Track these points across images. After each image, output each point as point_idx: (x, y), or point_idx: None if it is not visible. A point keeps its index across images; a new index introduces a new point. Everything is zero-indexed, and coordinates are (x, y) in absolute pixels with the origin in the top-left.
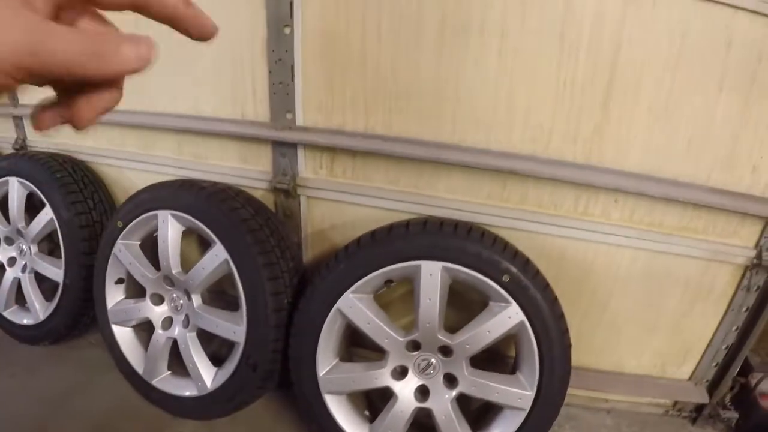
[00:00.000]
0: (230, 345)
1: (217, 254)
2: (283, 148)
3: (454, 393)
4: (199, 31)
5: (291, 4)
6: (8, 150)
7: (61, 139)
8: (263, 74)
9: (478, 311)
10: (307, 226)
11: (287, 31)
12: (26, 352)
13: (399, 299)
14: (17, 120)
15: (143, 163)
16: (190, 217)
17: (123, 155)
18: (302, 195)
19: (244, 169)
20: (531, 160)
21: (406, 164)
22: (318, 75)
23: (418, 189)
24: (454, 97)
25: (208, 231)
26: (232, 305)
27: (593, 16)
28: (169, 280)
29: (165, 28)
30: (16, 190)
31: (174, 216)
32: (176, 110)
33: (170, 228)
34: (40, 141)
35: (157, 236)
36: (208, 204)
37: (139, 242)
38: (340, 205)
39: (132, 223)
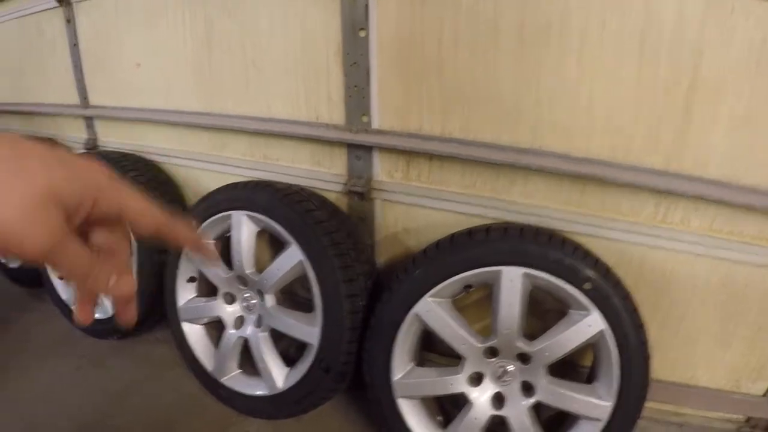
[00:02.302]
0: (300, 345)
1: (293, 255)
2: (358, 151)
3: (531, 401)
4: (202, 255)
5: (366, 7)
6: (80, 150)
7: (131, 139)
8: (338, 77)
9: (554, 319)
10: (380, 230)
11: (362, 34)
12: (93, 345)
13: (473, 304)
14: (88, 121)
15: (214, 163)
16: (265, 218)
17: (194, 156)
18: (376, 198)
19: (317, 172)
20: (610, 165)
21: (482, 168)
22: (394, 78)
23: (495, 193)
24: (533, 101)
25: (284, 232)
26: (302, 306)
27: (674, 20)
28: (242, 280)
29: (239, 34)
30: None
31: (249, 217)
32: (249, 112)
33: (245, 229)
34: (112, 141)
35: (229, 236)
36: (284, 205)
37: (213, 240)
38: (414, 209)
39: (205, 223)
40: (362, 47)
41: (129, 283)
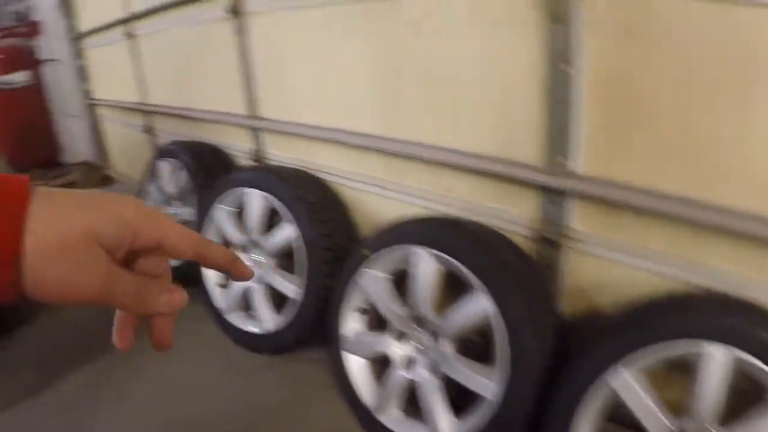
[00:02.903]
0: (470, 394)
1: (480, 304)
2: (554, 196)
3: None
4: (237, 276)
5: (576, 41)
6: (243, 159)
7: (298, 155)
8: (538, 115)
9: (748, 404)
10: (566, 279)
11: (569, 70)
12: (242, 354)
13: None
14: (255, 132)
15: (389, 190)
16: (451, 259)
17: (367, 179)
18: (567, 246)
19: (503, 211)
20: None
21: (690, 227)
22: (600, 120)
23: (701, 257)
24: (762, 160)
25: (472, 277)
26: (471, 352)
27: None
28: (418, 320)
29: (428, 59)
30: (257, 202)
31: (432, 255)
32: (433, 141)
33: (426, 267)
34: (278, 155)
35: (405, 271)
36: (473, 247)
37: (387, 275)
38: (606, 262)
39: (382, 254)
40: (568, 85)
41: (182, 296)
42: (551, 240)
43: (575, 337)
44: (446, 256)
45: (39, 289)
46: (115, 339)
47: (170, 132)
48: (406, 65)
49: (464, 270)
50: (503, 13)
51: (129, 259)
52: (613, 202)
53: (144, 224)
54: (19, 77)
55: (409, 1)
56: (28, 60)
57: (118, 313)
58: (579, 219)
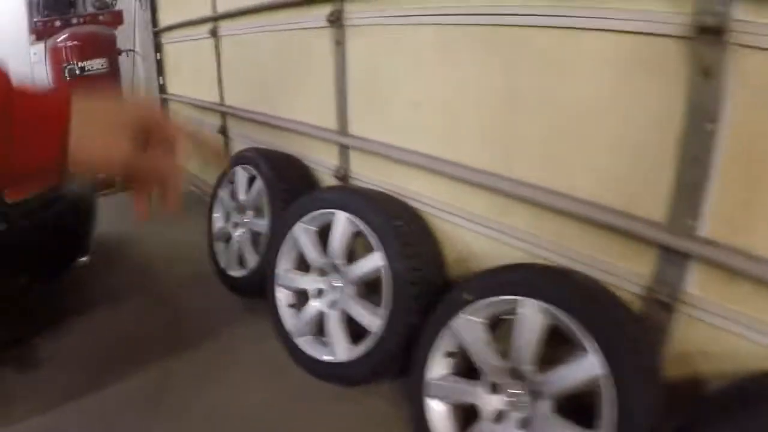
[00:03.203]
0: None
1: (591, 367)
2: (674, 257)
3: None
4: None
5: (721, 96)
6: (325, 175)
7: (388, 179)
8: (668, 170)
9: None
10: (674, 344)
11: (709, 127)
12: (307, 380)
13: None
14: (343, 149)
15: (490, 228)
16: (563, 315)
17: (465, 214)
18: (679, 311)
19: (613, 265)
20: None
21: None
22: (738, 184)
23: None
24: None
25: (586, 336)
26: (563, 410)
27: None
28: (517, 374)
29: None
30: (344, 226)
31: (543, 308)
32: (544, 183)
33: (535, 320)
34: (366, 175)
35: (503, 318)
36: (589, 303)
37: (486, 322)
38: (719, 332)
39: (485, 302)
40: (706, 142)
41: (179, 167)
42: (664, 302)
43: (680, 407)
44: (557, 311)
45: (81, 160)
46: (136, 210)
47: (245, 136)
48: (526, 98)
49: (577, 328)
50: (648, 60)
51: (145, 144)
52: (737, 270)
53: (157, 119)
54: (95, 64)
55: (543, 32)
56: (105, 48)
57: (135, 193)
58: (697, 283)
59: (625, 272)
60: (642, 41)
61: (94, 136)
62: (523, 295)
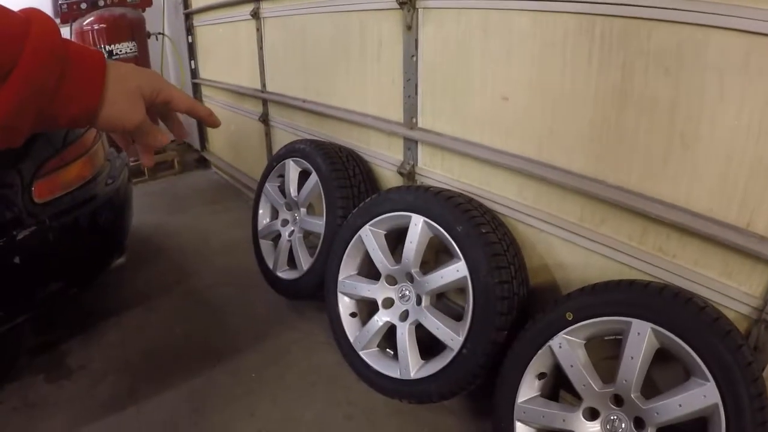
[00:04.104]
0: None
1: (707, 393)
2: None
3: None
4: (209, 124)
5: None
6: (388, 172)
7: (464, 178)
8: None
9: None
10: None
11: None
12: (365, 393)
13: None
14: (410, 143)
15: (583, 238)
16: (679, 340)
17: (556, 221)
18: None
19: (724, 285)
20: None
21: None
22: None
23: None
24: None
25: (701, 363)
26: None
27: None
28: (618, 400)
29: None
30: (420, 231)
31: (653, 331)
32: (655, 192)
33: (645, 344)
34: (435, 173)
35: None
36: (706, 328)
37: (584, 341)
38: None
39: (589, 322)
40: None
41: (166, 138)
42: None
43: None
44: (672, 335)
45: (106, 117)
46: (143, 159)
47: (290, 126)
48: (641, 100)
49: (693, 354)
50: None
51: (154, 111)
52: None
53: (164, 87)
54: (123, 48)
55: (666, 27)
56: (134, 31)
57: (138, 146)
58: None
59: (736, 292)
60: None
61: (119, 96)
62: (634, 317)
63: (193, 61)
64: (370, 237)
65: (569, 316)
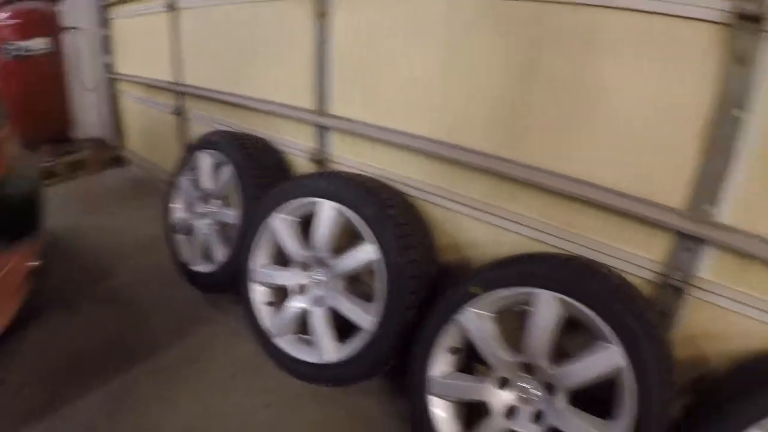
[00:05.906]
0: None
1: (611, 358)
2: (690, 243)
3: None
4: None
5: (752, 84)
6: (301, 159)
7: (374, 162)
8: (693, 158)
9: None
10: (679, 327)
11: (738, 114)
12: (283, 380)
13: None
14: (321, 130)
15: (492, 215)
16: (584, 307)
17: (463, 200)
18: (689, 295)
19: (627, 252)
20: None
21: None
22: (760, 171)
23: None
24: None
25: (606, 327)
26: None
27: None
28: (529, 368)
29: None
30: (331, 216)
31: (561, 300)
32: (559, 168)
33: (549, 312)
34: (347, 159)
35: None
36: (609, 294)
37: (494, 315)
38: (726, 313)
39: (496, 295)
40: (735, 132)
41: None
42: (676, 288)
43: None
44: (576, 302)
45: None
46: None
47: (207, 118)
48: (542, 79)
49: (598, 319)
50: (678, 47)
51: None
52: (751, 255)
53: None
54: (37, 44)
55: (568, 8)
56: (48, 26)
57: None
58: (711, 270)
59: (637, 258)
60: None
61: None
62: (538, 287)
63: (109, 55)
64: (281, 224)
65: (475, 291)
